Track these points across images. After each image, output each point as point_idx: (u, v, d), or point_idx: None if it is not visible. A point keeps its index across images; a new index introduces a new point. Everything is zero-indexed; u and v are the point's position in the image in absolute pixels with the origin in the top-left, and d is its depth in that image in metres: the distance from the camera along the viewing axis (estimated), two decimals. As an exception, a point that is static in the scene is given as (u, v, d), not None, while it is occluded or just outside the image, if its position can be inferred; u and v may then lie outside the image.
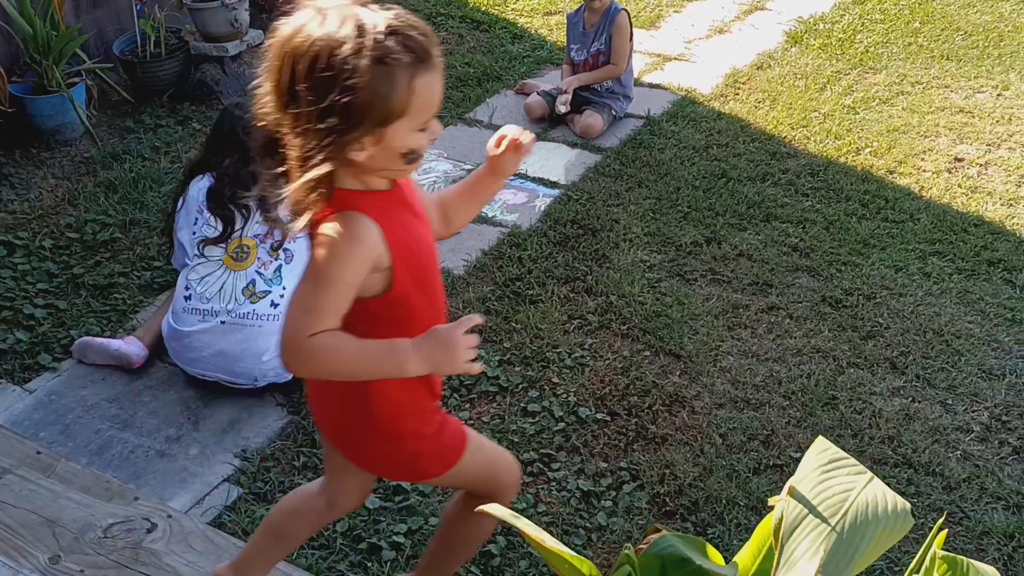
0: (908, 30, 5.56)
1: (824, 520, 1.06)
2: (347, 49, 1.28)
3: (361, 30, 1.30)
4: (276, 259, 2.81)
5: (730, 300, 3.26)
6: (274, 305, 2.75)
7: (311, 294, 1.39)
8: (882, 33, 5.52)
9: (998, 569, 2.27)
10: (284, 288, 2.78)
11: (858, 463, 1.13)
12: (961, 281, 3.34)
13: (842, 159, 4.15)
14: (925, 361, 2.97)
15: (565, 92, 4.42)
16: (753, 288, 3.33)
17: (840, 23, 5.68)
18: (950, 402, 2.81)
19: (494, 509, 1.25)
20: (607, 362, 2.98)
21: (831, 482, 1.10)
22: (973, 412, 2.78)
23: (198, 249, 2.80)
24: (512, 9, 6.01)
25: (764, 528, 1.29)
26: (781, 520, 1.09)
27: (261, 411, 2.80)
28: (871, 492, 1.09)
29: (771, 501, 1.19)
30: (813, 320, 3.16)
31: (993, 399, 2.82)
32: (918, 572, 1.14)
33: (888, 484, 2.46)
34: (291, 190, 1.37)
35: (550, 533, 2.36)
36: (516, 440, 2.67)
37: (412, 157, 1.41)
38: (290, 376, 2.81)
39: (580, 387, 2.87)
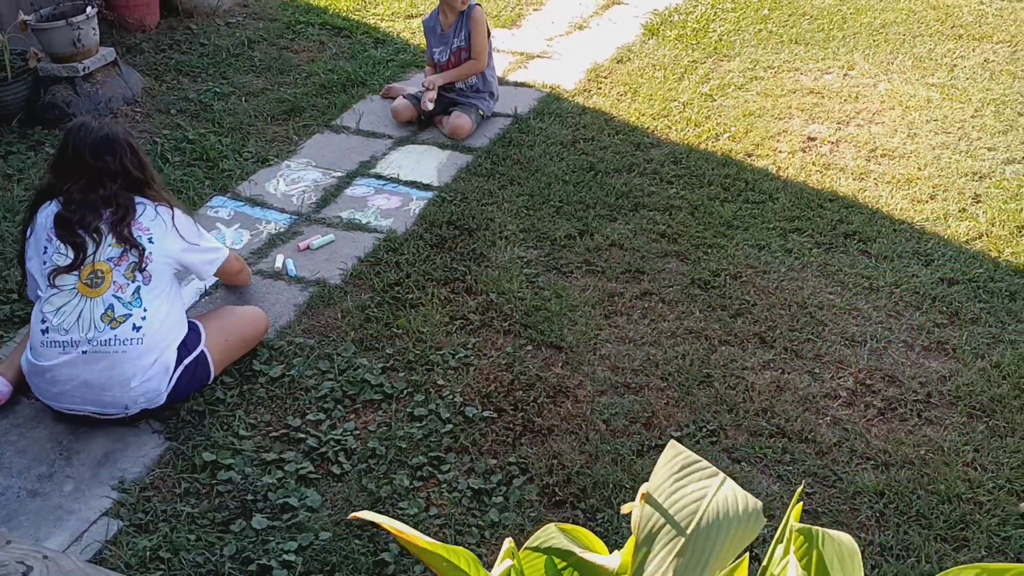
0: (758, 17, 5.78)
1: (679, 529, 1.09)
2: None
3: None
4: (133, 281, 2.71)
5: (605, 289, 3.33)
6: (136, 328, 2.66)
7: None
8: (734, 21, 5.72)
9: (871, 525, 2.40)
10: (145, 310, 2.69)
11: (710, 466, 1.16)
12: (820, 255, 3.50)
13: (703, 145, 4.29)
14: (791, 333, 3.09)
15: (430, 89, 4.44)
16: (626, 276, 3.40)
17: (694, 14, 5.86)
18: (817, 371, 2.94)
19: (365, 514, 1.24)
20: (491, 360, 3.00)
21: (685, 489, 1.13)
22: (839, 379, 2.91)
23: (49, 279, 2.68)
24: (373, 14, 5.98)
25: None
26: (639, 527, 1.12)
27: (136, 440, 2.71)
28: (723, 495, 1.12)
29: (624, 509, 1.22)
30: (684, 303, 3.25)
31: (857, 365, 2.96)
32: (781, 542, 1.18)
33: (764, 455, 2.57)
34: None
35: (443, 535, 2.37)
36: (404, 446, 2.66)
37: None
38: (163, 401, 2.74)
39: (466, 387, 2.89)
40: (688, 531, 1.10)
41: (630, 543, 1.42)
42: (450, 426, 2.74)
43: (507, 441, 2.69)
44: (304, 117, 4.63)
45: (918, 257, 3.48)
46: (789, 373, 2.93)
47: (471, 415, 2.77)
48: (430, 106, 4.42)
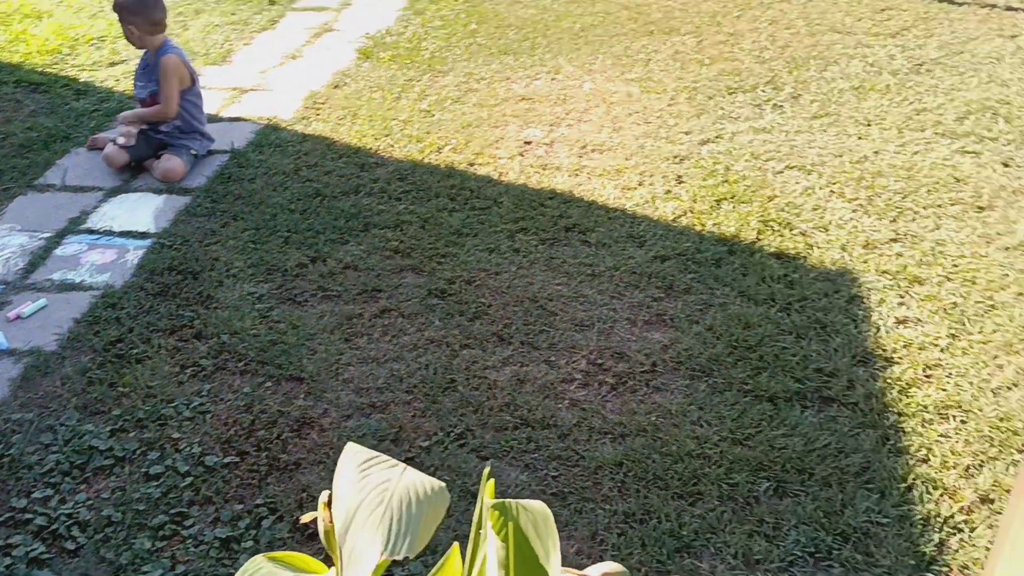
0: (466, 32, 5.96)
1: (373, 518, 1.10)
2: None
3: None
4: None
5: (343, 313, 3.31)
6: None
7: None
8: (444, 38, 5.87)
9: (613, 496, 2.52)
10: None
11: (390, 458, 1.18)
12: (546, 250, 3.64)
13: (426, 160, 4.36)
14: (526, 328, 3.20)
15: (123, 124, 4.32)
16: (364, 296, 3.40)
17: (405, 34, 5.96)
18: (553, 359, 3.06)
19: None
20: (229, 403, 2.90)
21: (368, 480, 1.14)
22: (573, 363, 3.04)
23: None
24: (73, 66, 5.64)
25: None
26: (328, 530, 1.12)
27: None
28: (407, 480, 1.14)
29: (304, 519, 1.21)
30: (423, 314, 3.29)
31: (587, 347, 3.11)
32: (481, 528, 1.21)
33: (511, 447, 2.64)
34: None
35: (192, 590, 2.26)
36: (143, 508, 2.52)
37: None
38: None
39: (204, 436, 2.77)
40: (382, 517, 1.12)
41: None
42: (190, 479, 2.62)
43: (253, 483, 2.61)
44: (3, 181, 4.30)
45: (632, 240, 3.70)
46: (527, 365, 3.03)
47: (212, 464, 2.67)
48: (121, 140, 4.27)
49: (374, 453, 1.17)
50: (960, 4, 5.93)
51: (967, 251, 3.53)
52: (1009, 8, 5.82)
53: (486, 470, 1.22)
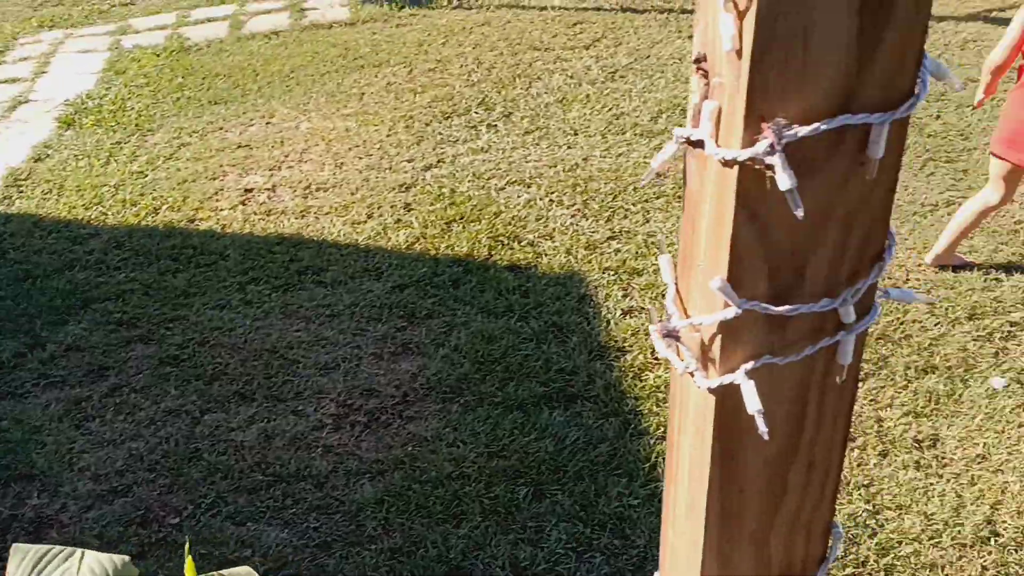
0: (173, 87, 5.75)
1: None
2: None
3: None
4: None
5: (71, 398, 3.10)
6: None
7: None
8: (150, 95, 5.64)
9: (378, 535, 2.51)
10: None
11: (64, 547, 1.14)
12: (280, 297, 3.58)
13: (143, 223, 4.17)
14: (269, 381, 3.13)
15: None
16: (91, 377, 3.20)
17: (108, 96, 5.67)
18: (300, 408, 3.01)
19: None
20: (-51, 519, 2.64)
21: None
22: (322, 408, 3.01)
23: None
24: None
25: None
26: None
27: None
28: (87, 566, 1.11)
29: None
30: (158, 385, 3.14)
31: (335, 390, 3.08)
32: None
33: (267, 507, 2.57)
34: None
35: None
36: None
37: None
38: None
39: (-76, 560, 2.51)
40: None
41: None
42: (-88, 611, 2.36)
43: (-13, 600, 2.39)
44: None
45: (368, 273, 3.71)
46: (274, 419, 2.96)
47: (-64, 589, 2.42)
48: None
49: (46, 548, 1.12)
50: (642, 12, 6.40)
51: (675, 238, 3.81)
52: (684, 11, 6.35)
53: (186, 546, 1.19)
